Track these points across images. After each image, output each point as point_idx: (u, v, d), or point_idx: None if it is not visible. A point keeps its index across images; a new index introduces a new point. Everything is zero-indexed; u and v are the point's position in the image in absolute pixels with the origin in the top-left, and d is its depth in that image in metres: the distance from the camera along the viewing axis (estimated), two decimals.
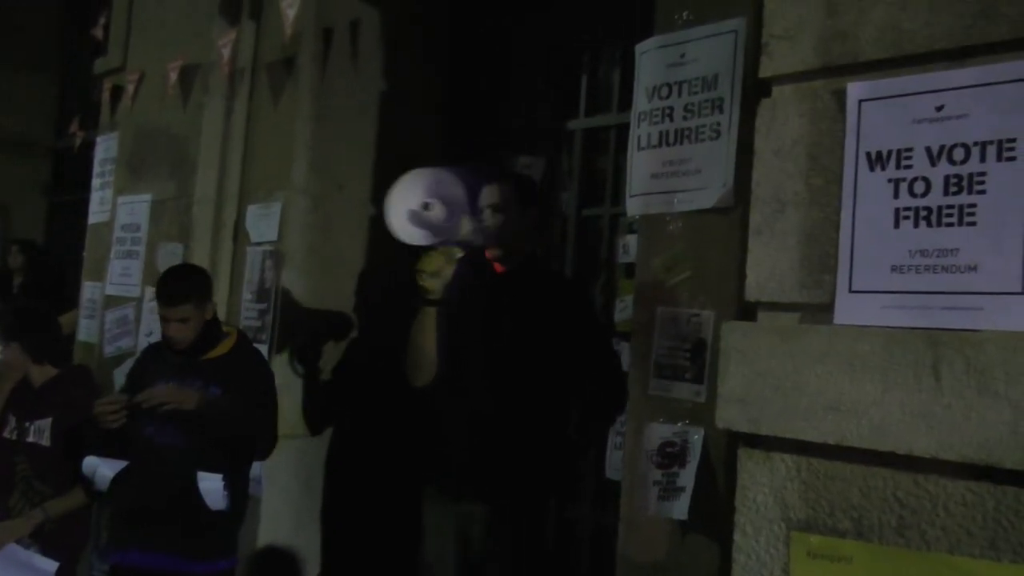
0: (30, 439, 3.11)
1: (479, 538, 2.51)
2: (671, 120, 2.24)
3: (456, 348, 2.52)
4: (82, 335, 4.19)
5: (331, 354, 3.46)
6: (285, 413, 3.24)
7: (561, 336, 2.50)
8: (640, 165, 2.29)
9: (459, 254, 2.47)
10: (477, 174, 2.59)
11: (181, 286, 2.70)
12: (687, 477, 2.03)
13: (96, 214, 4.31)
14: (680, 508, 2.02)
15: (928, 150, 1.56)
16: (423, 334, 2.49)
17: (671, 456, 2.08)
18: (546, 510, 2.70)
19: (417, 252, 2.49)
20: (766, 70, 1.79)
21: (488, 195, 2.57)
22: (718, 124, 2.14)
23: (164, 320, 2.68)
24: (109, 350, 3.93)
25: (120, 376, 3.57)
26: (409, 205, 2.47)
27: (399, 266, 3.58)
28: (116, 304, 3.95)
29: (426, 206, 2.46)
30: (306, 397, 3.36)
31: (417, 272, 2.45)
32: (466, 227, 2.48)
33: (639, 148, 2.30)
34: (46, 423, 3.11)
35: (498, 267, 2.60)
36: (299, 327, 3.36)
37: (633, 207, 2.30)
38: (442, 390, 2.53)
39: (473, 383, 2.51)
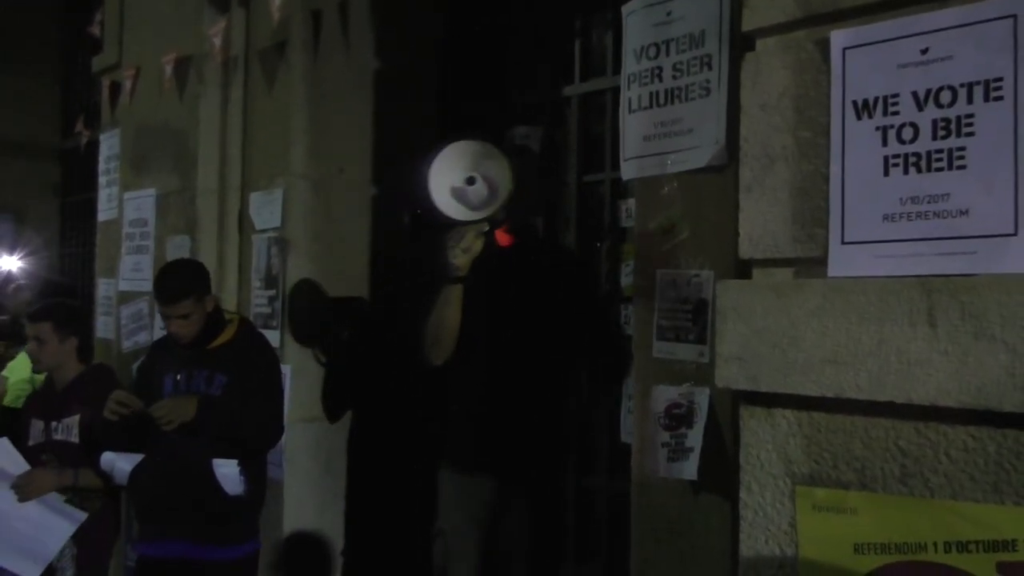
0: (58, 437, 3.16)
1: (497, 509, 2.54)
2: (660, 80, 2.21)
3: (474, 324, 2.48)
4: (100, 332, 4.25)
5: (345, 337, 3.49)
6: (301, 396, 3.28)
7: (569, 304, 2.52)
8: (632, 128, 2.27)
9: (485, 229, 2.39)
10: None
11: (178, 283, 2.71)
12: (695, 438, 2.03)
13: (105, 211, 4.36)
14: (689, 469, 2.02)
15: (915, 95, 1.54)
16: (448, 310, 2.43)
17: (678, 417, 2.08)
18: (562, 479, 2.72)
19: (439, 228, 2.41)
20: (749, 23, 1.77)
21: None
22: (707, 81, 2.11)
23: (166, 318, 2.71)
24: (127, 345, 3.99)
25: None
26: (453, 181, 2.35)
27: (403, 245, 3.61)
28: (130, 300, 4.00)
29: (471, 180, 2.34)
30: (325, 385, 3.41)
31: (449, 248, 2.37)
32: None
33: (630, 111, 2.28)
34: (73, 420, 3.16)
35: (503, 241, 2.55)
36: (314, 318, 3.38)
37: (627, 171, 2.28)
38: (461, 366, 2.52)
39: (490, 358, 2.51)
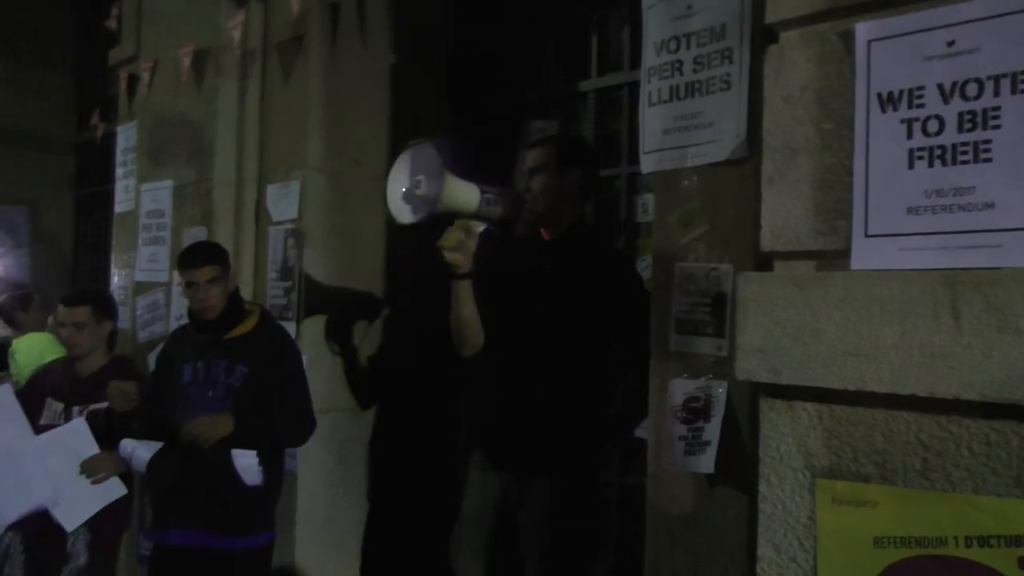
0: None
1: (523, 502, 2.54)
2: (681, 74, 2.21)
3: (504, 317, 2.53)
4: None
5: (363, 332, 3.50)
6: (316, 387, 3.29)
7: (608, 307, 2.50)
8: (652, 121, 2.26)
9: (480, 227, 2.46)
10: (463, 146, 2.61)
11: (204, 250, 2.79)
12: (712, 431, 2.03)
13: (121, 203, 4.38)
14: (706, 462, 2.02)
15: (940, 87, 1.53)
16: (462, 307, 2.51)
17: (695, 411, 2.08)
18: (592, 478, 2.67)
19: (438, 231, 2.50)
20: (772, 15, 1.76)
21: (529, 158, 2.60)
22: (728, 75, 2.11)
23: (192, 286, 2.71)
24: (143, 336, 4.00)
25: (153, 360, 3.65)
26: (402, 186, 2.49)
27: (420, 240, 3.61)
28: (146, 290, 4.01)
29: (417, 184, 2.45)
30: (348, 373, 3.42)
31: (437, 249, 2.45)
32: (470, 199, 2.46)
33: (650, 104, 2.27)
34: (102, 407, 3.16)
35: (544, 233, 2.59)
36: (324, 306, 3.39)
37: (647, 164, 2.28)
38: (488, 359, 2.57)
39: (521, 352, 2.53)
